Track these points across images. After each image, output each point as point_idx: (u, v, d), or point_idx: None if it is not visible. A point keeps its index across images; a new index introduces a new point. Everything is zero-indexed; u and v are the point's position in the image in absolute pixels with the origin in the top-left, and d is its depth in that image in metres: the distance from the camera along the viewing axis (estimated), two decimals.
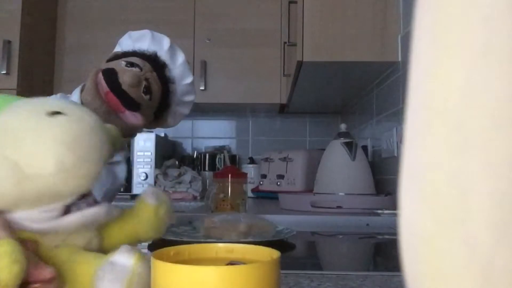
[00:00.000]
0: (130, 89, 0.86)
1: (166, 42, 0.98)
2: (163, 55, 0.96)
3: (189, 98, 1.04)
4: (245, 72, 2.26)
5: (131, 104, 0.87)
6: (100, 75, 0.86)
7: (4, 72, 2.01)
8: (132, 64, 0.88)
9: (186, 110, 1.07)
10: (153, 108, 0.94)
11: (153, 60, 0.93)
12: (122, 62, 0.88)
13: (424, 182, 0.13)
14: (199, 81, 2.26)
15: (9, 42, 2.00)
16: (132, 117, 0.88)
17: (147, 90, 0.89)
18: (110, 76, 0.86)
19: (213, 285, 0.28)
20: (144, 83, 0.88)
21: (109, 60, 0.92)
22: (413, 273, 0.13)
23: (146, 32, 0.98)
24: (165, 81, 0.94)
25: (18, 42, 2.01)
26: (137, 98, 0.87)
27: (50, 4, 2.29)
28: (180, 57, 0.99)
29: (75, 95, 0.89)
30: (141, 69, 0.88)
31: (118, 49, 1.00)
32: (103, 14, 2.27)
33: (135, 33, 0.99)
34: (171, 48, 0.98)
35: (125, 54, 0.93)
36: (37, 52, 2.18)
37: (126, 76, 0.85)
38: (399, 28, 1.46)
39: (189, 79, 1.00)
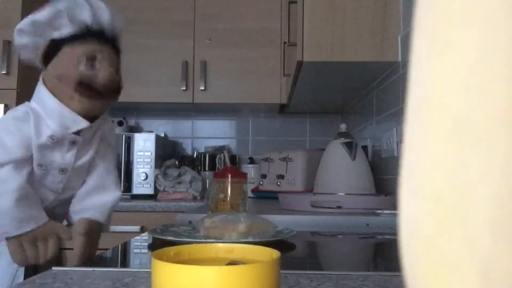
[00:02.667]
0: (109, 86, 0.91)
1: (105, 12, 0.94)
2: (106, 22, 0.94)
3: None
4: (245, 72, 2.26)
5: (117, 92, 0.94)
6: (72, 92, 0.89)
7: (4, 72, 2.01)
8: (92, 63, 0.89)
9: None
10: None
11: (104, 37, 0.93)
12: (82, 68, 0.89)
13: (424, 182, 0.13)
14: (199, 81, 2.26)
15: (9, 42, 2.00)
16: None
17: (116, 69, 0.94)
18: (88, 90, 0.89)
19: (213, 285, 0.28)
20: (113, 71, 0.92)
21: (50, 51, 0.91)
22: (413, 273, 0.13)
23: (80, 4, 0.91)
24: (117, 47, 0.97)
25: None
26: (117, 85, 0.94)
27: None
28: (122, 21, 0.98)
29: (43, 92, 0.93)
30: (100, 58, 0.90)
31: (48, 31, 0.91)
32: None
33: (64, 5, 0.90)
34: (112, 14, 0.96)
35: (76, 37, 0.90)
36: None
37: (101, 81, 0.89)
38: (399, 28, 1.46)
39: (121, 21, 0.99)
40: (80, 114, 0.90)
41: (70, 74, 0.89)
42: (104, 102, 0.92)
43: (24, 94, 2.05)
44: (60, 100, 0.90)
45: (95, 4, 0.92)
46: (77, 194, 0.99)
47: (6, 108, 2.00)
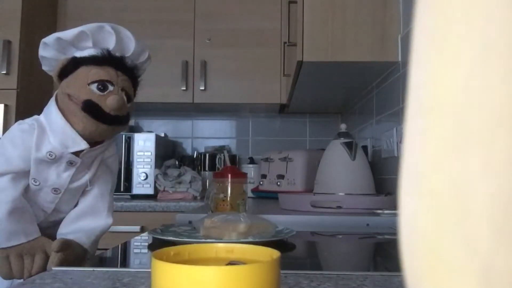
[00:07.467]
0: (117, 111, 0.90)
1: (132, 43, 0.96)
2: (131, 52, 0.96)
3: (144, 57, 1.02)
4: (245, 72, 2.26)
5: (125, 121, 0.93)
6: (78, 110, 0.88)
7: (4, 72, 2.01)
8: (104, 86, 0.88)
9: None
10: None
11: (123, 65, 0.93)
12: (93, 89, 0.88)
13: (424, 182, 0.13)
14: (199, 81, 2.26)
15: (9, 42, 2.00)
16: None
17: (128, 98, 0.93)
18: (94, 111, 0.88)
19: (213, 285, 0.28)
20: (124, 98, 0.91)
21: (68, 68, 0.91)
22: (413, 273, 0.13)
23: (107, 31, 0.92)
24: (135, 77, 0.98)
25: (18, 42, 2.01)
26: (126, 114, 0.93)
27: (50, 4, 2.29)
28: (146, 55, 1.01)
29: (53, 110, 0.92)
30: (113, 84, 0.90)
31: (71, 49, 0.93)
32: (103, 14, 2.27)
33: (90, 29, 0.91)
34: (138, 47, 0.97)
35: (94, 59, 0.90)
36: (37, 52, 2.18)
37: (109, 105, 0.88)
38: (399, 28, 1.46)
39: (146, 55, 1.01)
40: (82, 134, 0.89)
41: (80, 93, 0.88)
42: (108, 127, 0.89)
43: (24, 94, 2.05)
44: (66, 117, 0.89)
45: (122, 32, 0.94)
46: (67, 216, 0.96)
47: (6, 108, 2.00)
